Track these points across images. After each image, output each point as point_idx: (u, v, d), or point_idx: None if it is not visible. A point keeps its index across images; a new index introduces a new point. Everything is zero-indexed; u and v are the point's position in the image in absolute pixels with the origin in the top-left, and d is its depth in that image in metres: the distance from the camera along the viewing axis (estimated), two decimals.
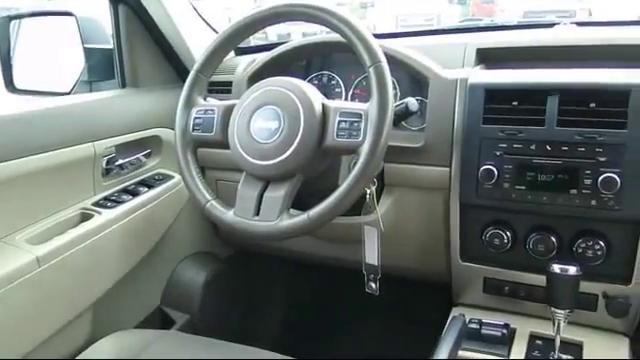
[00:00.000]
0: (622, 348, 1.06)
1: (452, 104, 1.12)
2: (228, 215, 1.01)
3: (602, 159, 0.98)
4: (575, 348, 1.04)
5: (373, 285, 1.19)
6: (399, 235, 1.23)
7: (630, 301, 1.04)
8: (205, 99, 1.11)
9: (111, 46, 1.43)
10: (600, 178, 0.97)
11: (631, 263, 1.03)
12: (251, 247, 1.56)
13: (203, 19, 1.51)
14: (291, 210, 0.99)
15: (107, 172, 1.30)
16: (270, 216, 0.98)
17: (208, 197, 1.04)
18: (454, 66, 1.18)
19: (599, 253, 1.03)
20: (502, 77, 1.10)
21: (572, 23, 1.26)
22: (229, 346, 1.05)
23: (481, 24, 1.64)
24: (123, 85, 1.44)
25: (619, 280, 1.05)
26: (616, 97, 0.98)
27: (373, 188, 1.10)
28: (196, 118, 1.08)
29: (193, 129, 1.08)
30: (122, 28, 1.40)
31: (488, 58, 1.21)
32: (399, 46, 1.21)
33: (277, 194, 0.98)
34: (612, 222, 1.02)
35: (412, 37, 1.45)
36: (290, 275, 1.86)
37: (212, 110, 1.07)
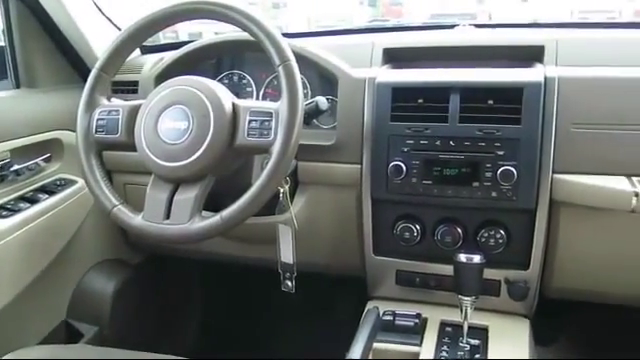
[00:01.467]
0: (523, 329, 1.13)
1: (361, 102, 1.15)
2: (136, 220, 0.98)
3: (500, 153, 1.04)
4: (481, 332, 1.09)
5: (289, 283, 1.19)
6: (313, 232, 1.24)
7: (529, 285, 1.12)
8: (109, 99, 1.06)
9: (2, 43, 1.33)
10: (499, 171, 1.03)
11: (528, 250, 1.10)
12: (163, 252, 1.51)
13: (105, 15, 1.44)
14: (203, 212, 0.97)
15: (1, 179, 1.21)
16: (181, 219, 0.95)
17: (114, 202, 1.00)
18: (362, 65, 1.20)
19: (500, 241, 1.09)
20: (408, 76, 1.14)
21: (471, 25, 1.33)
22: (141, 356, 1.01)
23: (388, 25, 1.69)
24: (17, 85, 1.35)
25: (519, 266, 1.12)
26: (511, 94, 1.05)
27: (286, 187, 1.10)
28: (99, 119, 1.03)
29: (96, 131, 1.02)
30: (14, 23, 1.31)
31: (395, 58, 1.24)
32: (308, 45, 1.22)
33: (188, 196, 0.96)
34: (510, 212, 1.09)
35: (322, 37, 1.47)
36: (205, 278, 1.82)
37: (116, 111, 1.03)
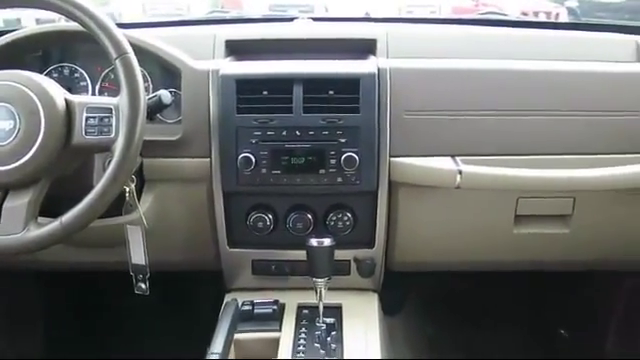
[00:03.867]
0: (373, 303, 1.21)
1: (206, 95, 1.13)
2: None
3: (343, 140, 1.10)
4: (336, 310, 1.16)
5: (143, 285, 1.15)
6: (165, 230, 1.20)
7: (375, 262, 1.21)
8: None
9: None
10: (342, 157, 1.09)
11: (373, 229, 1.19)
12: None
13: None
14: (40, 218, 0.89)
15: None
16: (14, 228, 0.87)
17: None
18: (205, 57, 1.19)
19: (348, 224, 1.16)
20: (251, 68, 1.15)
21: (309, 18, 1.38)
22: None
23: (228, 16, 1.68)
24: None
25: (365, 245, 1.20)
26: (349, 85, 1.11)
27: (132, 185, 1.06)
28: None
29: None
30: None
31: (237, 50, 1.25)
32: (147, 37, 1.17)
33: (19, 203, 0.87)
34: (355, 195, 1.16)
35: (160, 27, 1.42)
36: (50, 289, 1.67)
37: None
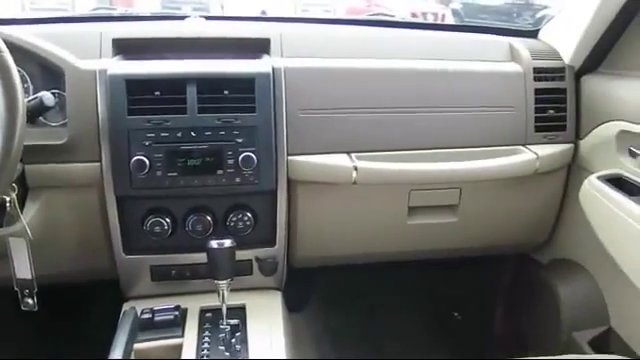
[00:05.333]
0: (276, 301, 1.22)
1: (94, 96, 1.08)
2: None
3: (240, 140, 1.10)
4: (240, 311, 1.15)
5: (30, 301, 1.07)
6: (54, 240, 1.14)
7: (277, 260, 1.22)
8: None
9: None
10: (240, 157, 1.09)
11: (273, 228, 1.20)
12: None
13: None
14: None
15: None
16: None
17: None
18: (91, 56, 1.14)
19: (248, 223, 1.16)
20: (142, 68, 1.11)
21: (201, 17, 1.36)
22: None
23: (115, 13, 1.61)
24: None
25: (266, 244, 1.21)
26: (244, 85, 1.11)
27: (14, 195, 0.99)
28: None
29: None
30: None
31: (126, 49, 1.20)
32: (24, 34, 1.10)
33: None
34: (254, 195, 1.16)
35: (41, 24, 1.32)
36: None
37: None
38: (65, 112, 1.10)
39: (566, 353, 0.99)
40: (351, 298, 1.75)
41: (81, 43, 1.16)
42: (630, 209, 1.04)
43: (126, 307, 1.13)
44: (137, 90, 1.07)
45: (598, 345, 1.26)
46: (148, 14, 1.46)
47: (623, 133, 1.16)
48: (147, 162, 1.06)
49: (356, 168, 1.16)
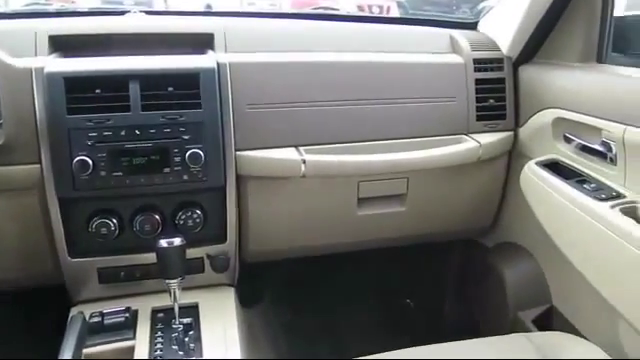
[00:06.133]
0: (230, 297, 1.22)
1: (30, 96, 1.04)
2: None
3: (186, 137, 1.09)
4: (193, 310, 1.14)
5: None
6: None
7: (229, 256, 1.21)
8: None
9: None
10: (187, 154, 1.08)
11: (224, 224, 1.19)
12: None
13: None
14: None
15: None
16: None
17: None
18: (25, 54, 1.10)
19: (198, 221, 1.15)
20: (81, 65, 1.08)
21: (141, 12, 1.33)
22: None
23: (51, 9, 1.55)
24: None
25: (217, 240, 1.20)
26: (189, 80, 1.09)
27: None
28: None
29: None
30: None
31: (63, 46, 1.16)
32: None
33: None
34: (203, 191, 1.15)
35: None
36: None
37: None
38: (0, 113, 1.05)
39: (512, 332, 1.03)
40: (305, 291, 1.76)
41: (15, 41, 1.11)
42: (566, 192, 1.09)
43: (74, 312, 1.10)
44: (76, 88, 1.04)
45: (541, 323, 1.32)
46: (86, 9, 1.42)
47: (558, 120, 1.21)
48: (90, 162, 1.03)
49: (304, 161, 1.17)
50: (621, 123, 1.02)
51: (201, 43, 1.22)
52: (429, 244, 1.53)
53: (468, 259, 1.66)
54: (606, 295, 1.01)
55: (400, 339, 1.07)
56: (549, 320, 1.33)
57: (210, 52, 1.20)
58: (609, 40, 1.24)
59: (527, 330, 1.31)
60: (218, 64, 1.12)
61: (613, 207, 0.99)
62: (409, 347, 0.97)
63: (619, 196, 1.03)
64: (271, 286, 1.70)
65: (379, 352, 0.97)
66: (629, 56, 1.24)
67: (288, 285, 1.73)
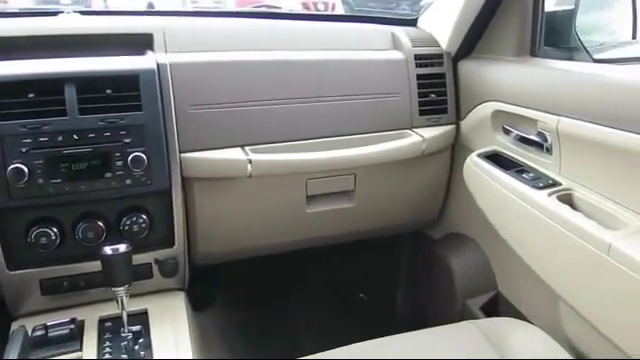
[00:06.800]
0: (180, 302, 1.20)
1: None
2: None
3: (127, 140, 1.06)
4: (142, 317, 1.12)
5: None
6: None
7: (177, 260, 1.19)
8: None
9: None
10: (129, 158, 1.05)
11: (171, 228, 1.17)
12: None
13: None
14: None
15: None
16: None
17: None
18: None
19: (144, 226, 1.12)
20: (11, 69, 1.03)
21: (76, 12, 1.28)
22: None
23: None
24: None
25: (165, 245, 1.18)
26: (128, 82, 1.07)
27: None
28: None
29: None
30: None
31: None
32: None
33: None
34: (148, 195, 1.12)
35: None
36: None
37: None
38: None
39: (462, 319, 1.06)
40: (257, 291, 1.75)
41: None
42: (506, 182, 1.13)
43: (14, 326, 1.05)
44: (7, 93, 0.99)
45: (488, 309, 1.37)
46: (16, 10, 1.35)
47: (497, 112, 1.25)
48: (26, 170, 0.99)
49: (250, 161, 1.16)
50: (555, 114, 1.07)
51: (140, 44, 1.19)
52: (379, 238, 1.55)
53: (417, 251, 1.69)
54: (547, 279, 1.05)
55: (355, 333, 1.08)
56: (496, 306, 1.38)
57: (149, 53, 1.17)
58: (541, 34, 1.29)
59: (475, 317, 1.35)
60: (158, 65, 1.10)
61: (550, 195, 1.03)
62: (364, 340, 0.98)
63: (555, 184, 1.07)
64: (223, 288, 1.68)
65: (334, 347, 0.97)
66: (560, 49, 1.30)
67: (241, 286, 1.72)
